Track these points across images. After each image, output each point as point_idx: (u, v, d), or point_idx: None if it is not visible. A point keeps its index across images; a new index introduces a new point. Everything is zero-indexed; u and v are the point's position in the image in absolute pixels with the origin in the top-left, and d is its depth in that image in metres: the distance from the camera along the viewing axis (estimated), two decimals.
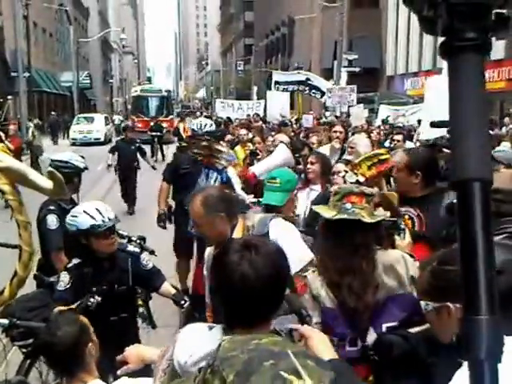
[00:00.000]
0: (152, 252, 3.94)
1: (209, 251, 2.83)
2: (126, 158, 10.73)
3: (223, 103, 20.89)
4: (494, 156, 3.89)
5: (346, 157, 4.84)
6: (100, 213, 3.20)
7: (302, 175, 4.82)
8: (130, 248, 3.48)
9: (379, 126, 13.69)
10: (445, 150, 5.09)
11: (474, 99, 0.67)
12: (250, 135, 9.13)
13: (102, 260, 3.29)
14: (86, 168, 4.51)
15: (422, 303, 1.54)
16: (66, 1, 43.77)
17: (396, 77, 31.03)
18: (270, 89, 17.07)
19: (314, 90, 16.19)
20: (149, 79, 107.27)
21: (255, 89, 31.18)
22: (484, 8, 0.67)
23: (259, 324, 1.45)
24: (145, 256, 3.52)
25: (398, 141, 8.00)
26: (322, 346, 1.49)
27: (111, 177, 11.90)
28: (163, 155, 19.79)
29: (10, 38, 28.08)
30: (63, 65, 44.42)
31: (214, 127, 5.95)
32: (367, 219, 2.25)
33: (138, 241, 3.95)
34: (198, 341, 1.51)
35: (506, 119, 14.12)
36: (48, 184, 3.03)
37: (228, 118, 17.89)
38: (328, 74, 26.33)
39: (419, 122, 13.67)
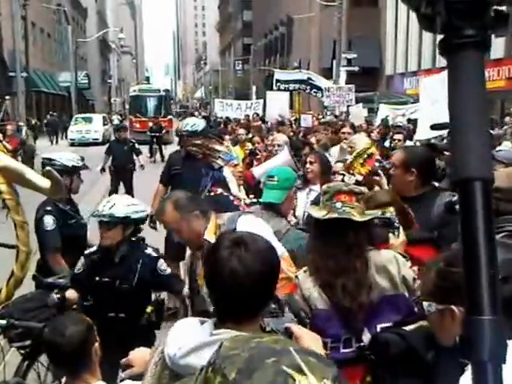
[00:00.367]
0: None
1: (188, 255, 2.89)
2: (120, 159, 10.54)
3: (222, 103, 20.90)
4: (494, 155, 3.88)
5: (346, 157, 4.84)
6: (104, 205, 3.36)
7: (300, 172, 4.80)
8: (148, 250, 3.45)
9: (379, 126, 13.68)
10: (446, 152, 5.09)
11: (474, 97, 0.67)
12: (250, 135, 9.13)
13: (113, 253, 3.37)
14: (77, 167, 4.32)
15: (425, 304, 1.53)
16: (64, 1, 43.81)
17: (395, 76, 31.03)
18: (271, 88, 17.04)
19: (314, 89, 16.18)
20: (147, 79, 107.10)
21: (254, 88, 31.23)
22: (483, 5, 0.67)
23: (249, 319, 1.48)
24: (162, 262, 3.48)
25: (399, 140, 8.01)
26: (314, 347, 1.48)
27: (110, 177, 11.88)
28: (162, 156, 19.77)
29: (8, 38, 28.07)
30: (61, 65, 44.38)
31: (200, 127, 5.80)
32: (358, 218, 2.25)
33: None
34: (188, 334, 1.52)
35: (507, 118, 14.10)
36: (45, 183, 3.02)
37: (227, 117, 17.89)
38: (327, 74, 26.30)
39: (409, 121, 13.67)
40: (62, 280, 3.57)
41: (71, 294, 3.53)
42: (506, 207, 2.03)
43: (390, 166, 3.65)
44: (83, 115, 32.63)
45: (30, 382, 3.40)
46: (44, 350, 2.58)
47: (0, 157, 3.07)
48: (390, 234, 2.62)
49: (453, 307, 1.41)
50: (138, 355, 1.98)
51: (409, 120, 13.91)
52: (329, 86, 16.64)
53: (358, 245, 2.24)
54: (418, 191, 3.13)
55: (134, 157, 10.92)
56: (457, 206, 0.70)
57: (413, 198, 3.03)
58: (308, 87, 16.11)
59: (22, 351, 3.43)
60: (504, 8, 0.69)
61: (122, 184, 11.03)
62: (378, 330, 2.18)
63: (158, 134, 21.03)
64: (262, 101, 19.29)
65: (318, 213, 2.32)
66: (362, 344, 2.19)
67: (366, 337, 2.19)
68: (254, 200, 4.48)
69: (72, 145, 27.30)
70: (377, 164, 3.96)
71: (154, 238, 5.11)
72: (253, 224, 2.75)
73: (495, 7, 0.68)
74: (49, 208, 4.04)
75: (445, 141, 7.63)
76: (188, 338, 1.50)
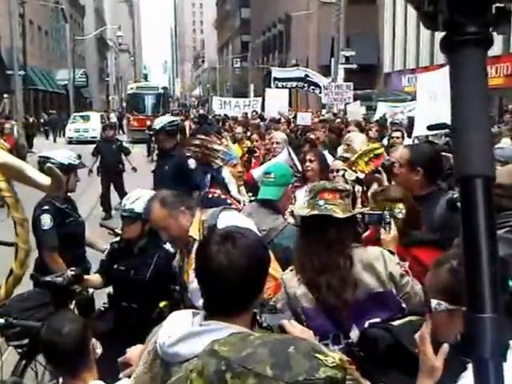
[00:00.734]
0: None
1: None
2: (109, 159, 10.18)
3: (220, 101, 20.88)
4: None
5: (343, 154, 4.83)
6: (128, 198, 3.55)
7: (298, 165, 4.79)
8: (166, 246, 3.51)
9: (377, 121, 13.66)
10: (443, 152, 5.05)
11: (475, 94, 0.67)
12: (248, 133, 9.12)
13: (133, 245, 3.53)
14: (74, 165, 4.29)
15: (434, 302, 1.50)
16: None
17: (393, 74, 31.02)
18: (269, 86, 17.04)
19: (313, 86, 16.19)
20: (145, 77, 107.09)
21: (252, 86, 31.18)
22: (485, 2, 0.67)
23: (237, 312, 1.52)
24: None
25: (398, 137, 8.00)
26: None
27: None
28: None
29: (5, 36, 27.98)
30: (59, 63, 44.29)
31: (161, 124, 6.15)
32: (339, 214, 2.26)
33: None
34: (179, 324, 1.56)
35: (507, 116, 14.08)
36: (45, 180, 3.01)
37: (225, 115, 17.87)
38: (325, 71, 26.28)
39: (408, 119, 13.62)
40: (59, 278, 3.56)
41: (92, 276, 3.80)
42: (508, 204, 2.03)
43: (388, 163, 3.64)
44: (81, 113, 32.58)
45: (27, 381, 3.39)
46: (41, 350, 2.56)
47: None
48: (382, 230, 2.62)
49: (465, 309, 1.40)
50: (135, 353, 1.97)
51: (408, 118, 13.88)
52: (326, 83, 16.63)
53: (339, 241, 2.25)
54: (423, 191, 3.07)
55: (123, 157, 10.57)
56: (458, 204, 0.70)
57: (418, 198, 2.91)
58: (306, 84, 16.13)
59: (20, 350, 3.42)
60: (506, 5, 0.68)
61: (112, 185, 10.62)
62: (366, 325, 2.18)
63: None
64: (260, 99, 19.28)
65: (303, 211, 2.35)
66: (350, 340, 2.19)
67: (355, 333, 2.19)
68: (253, 198, 4.46)
69: (70, 143, 27.24)
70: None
71: None
72: (234, 220, 2.75)
73: (497, 4, 0.68)
74: (46, 207, 4.03)
75: (442, 138, 7.62)
76: (177, 327, 1.54)
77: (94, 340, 2.32)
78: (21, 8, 28.73)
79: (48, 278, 3.58)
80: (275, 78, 16.41)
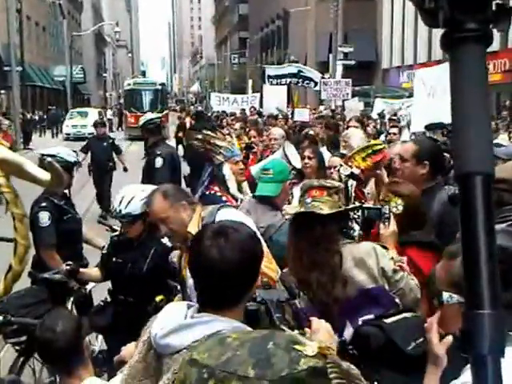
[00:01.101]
0: None
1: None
2: (99, 157, 9.99)
3: (218, 97, 20.83)
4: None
5: (342, 151, 4.83)
6: (120, 202, 3.45)
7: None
8: (164, 240, 3.51)
9: (375, 120, 13.68)
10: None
11: (475, 91, 0.67)
12: (247, 129, 9.11)
13: (132, 238, 3.54)
14: (77, 162, 4.39)
15: (445, 294, 1.49)
16: None
17: (391, 70, 31.02)
18: (264, 84, 17.08)
19: (307, 81, 16.23)
20: (143, 73, 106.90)
21: (250, 82, 31.07)
22: None
23: (229, 306, 1.54)
24: (176, 254, 3.51)
25: (394, 133, 8.01)
26: (327, 342, 1.50)
27: None
28: None
29: (2, 31, 27.85)
30: (56, 59, 44.20)
31: (152, 122, 6.42)
32: (324, 211, 2.26)
33: None
34: (172, 316, 1.58)
35: (505, 112, 14.09)
36: (45, 175, 3.00)
37: (223, 111, 17.85)
38: (324, 67, 26.26)
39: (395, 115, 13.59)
40: (57, 275, 3.56)
41: (89, 270, 3.82)
42: (510, 198, 2.02)
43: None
44: (79, 109, 32.48)
45: (25, 379, 3.38)
46: (36, 348, 2.57)
47: None
48: (381, 225, 2.61)
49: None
50: (131, 350, 1.98)
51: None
52: (320, 78, 16.65)
53: (325, 238, 2.26)
54: (427, 184, 3.03)
55: (114, 155, 10.37)
56: None
57: (421, 192, 2.88)
58: (300, 80, 16.18)
59: (17, 347, 3.41)
60: (506, 2, 0.68)
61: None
62: (360, 322, 2.18)
63: None
64: (258, 94, 19.24)
65: (293, 209, 2.38)
66: (343, 338, 2.20)
67: (348, 331, 2.19)
68: (251, 195, 4.45)
69: (67, 139, 27.16)
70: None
71: None
72: (232, 217, 2.75)
73: (497, 1, 0.68)
74: (44, 204, 4.02)
75: (440, 136, 7.62)
76: (170, 319, 1.56)
77: (87, 338, 2.32)
78: (18, 4, 28.63)
79: (45, 275, 3.58)
80: (269, 76, 16.46)
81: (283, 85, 16.45)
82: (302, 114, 13.77)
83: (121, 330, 3.17)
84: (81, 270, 3.70)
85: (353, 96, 16.77)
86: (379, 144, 4.04)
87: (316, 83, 16.18)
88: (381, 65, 32.21)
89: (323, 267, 2.23)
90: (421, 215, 2.73)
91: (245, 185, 4.60)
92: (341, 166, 3.93)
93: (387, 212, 2.62)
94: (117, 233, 3.80)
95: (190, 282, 2.49)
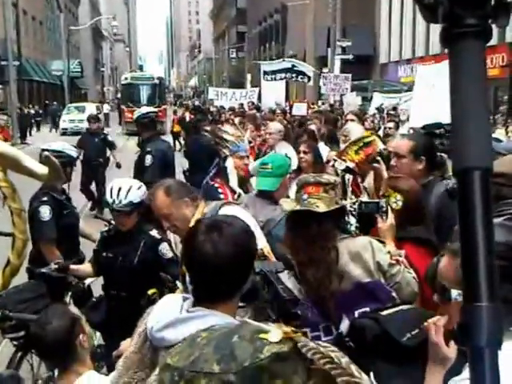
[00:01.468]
0: None
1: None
2: (91, 152, 9.89)
3: (216, 91, 20.78)
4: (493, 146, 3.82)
5: (342, 145, 4.82)
6: (118, 193, 3.43)
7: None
8: (152, 232, 3.55)
9: (374, 114, 13.67)
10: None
11: (474, 87, 0.67)
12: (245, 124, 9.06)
13: (123, 232, 3.53)
14: (78, 157, 4.45)
15: (454, 292, 1.48)
16: None
17: (389, 64, 30.97)
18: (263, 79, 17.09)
19: (300, 76, 16.27)
20: (140, 67, 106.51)
21: (249, 77, 31.02)
22: None
23: (223, 300, 1.55)
24: (165, 245, 3.55)
25: (390, 128, 8.01)
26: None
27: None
28: None
29: None
30: (53, 53, 44.03)
31: (146, 116, 6.40)
32: (320, 209, 2.26)
33: None
34: (167, 309, 1.59)
35: (503, 108, 14.09)
36: (42, 170, 3.00)
37: (221, 106, 17.82)
38: (322, 62, 26.22)
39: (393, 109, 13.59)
40: (54, 270, 3.56)
41: (82, 265, 3.80)
42: (508, 192, 2.03)
43: (386, 152, 3.61)
44: (76, 104, 32.37)
45: (23, 374, 3.38)
46: (30, 344, 2.61)
47: None
48: (379, 218, 2.61)
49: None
50: (129, 345, 1.98)
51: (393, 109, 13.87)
52: (311, 71, 16.69)
53: (322, 236, 2.26)
54: (424, 179, 3.04)
55: (108, 151, 10.28)
56: None
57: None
58: (294, 74, 16.23)
59: (15, 342, 3.42)
60: None
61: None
62: (356, 315, 2.20)
63: None
64: (257, 89, 19.22)
65: (289, 206, 2.37)
66: (340, 331, 2.21)
67: (345, 324, 2.20)
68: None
69: (64, 134, 27.03)
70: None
71: None
72: (233, 213, 2.75)
73: None
74: (45, 198, 4.00)
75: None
76: (166, 313, 1.57)
77: (82, 336, 2.34)
78: None
79: (43, 270, 3.57)
80: (265, 72, 16.49)
81: (278, 80, 16.52)
82: (300, 109, 13.78)
83: (115, 325, 3.17)
84: (72, 266, 3.69)
85: (351, 91, 16.78)
86: (369, 136, 4.04)
87: (309, 78, 16.25)
88: (379, 59, 32.16)
89: (319, 264, 2.23)
90: (420, 210, 2.73)
91: (252, 180, 4.59)
92: (335, 160, 3.93)
93: (384, 205, 2.62)
94: (106, 228, 3.79)
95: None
